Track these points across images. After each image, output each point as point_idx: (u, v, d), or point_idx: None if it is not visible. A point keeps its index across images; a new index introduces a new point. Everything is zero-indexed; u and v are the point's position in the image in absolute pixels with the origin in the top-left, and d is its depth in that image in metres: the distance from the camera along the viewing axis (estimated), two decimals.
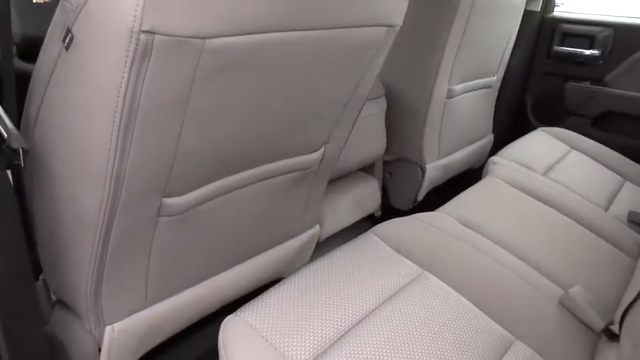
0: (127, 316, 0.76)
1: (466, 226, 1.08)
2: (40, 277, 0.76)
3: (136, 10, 0.47)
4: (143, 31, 0.48)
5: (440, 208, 1.15)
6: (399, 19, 0.80)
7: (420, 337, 0.74)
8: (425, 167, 1.46)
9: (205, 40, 0.53)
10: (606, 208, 1.34)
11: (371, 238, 0.96)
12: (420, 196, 1.52)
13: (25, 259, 0.63)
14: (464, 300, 0.84)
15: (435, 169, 1.49)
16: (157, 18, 0.48)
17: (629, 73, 1.66)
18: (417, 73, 1.34)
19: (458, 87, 1.42)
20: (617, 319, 0.86)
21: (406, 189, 1.52)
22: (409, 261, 0.91)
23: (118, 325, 0.74)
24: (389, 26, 0.79)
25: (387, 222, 1.03)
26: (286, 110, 0.75)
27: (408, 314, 0.77)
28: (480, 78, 1.52)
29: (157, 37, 0.49)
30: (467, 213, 1.13)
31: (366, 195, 1.43)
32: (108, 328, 0.73)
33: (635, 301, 0.80)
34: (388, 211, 1.57)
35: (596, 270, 1.06)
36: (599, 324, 0.87)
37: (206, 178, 0.73)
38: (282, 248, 1.03)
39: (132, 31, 0.48)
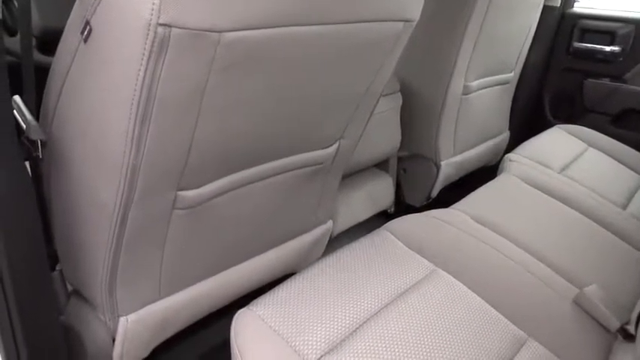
0: (141, 308, 0.77)
1: (480, 223, 1.07)
2: (57, 268, 0.78)
3: (154, 4, 0.47)
4: (160, 25, 0.48)
5: (454, 205, 1.14)
6: (415, 14, 0.79)
7: (431, 333, 0.73)
8: (439, 164, 1.44)
9: (222, 34, 0.54)
10: (624, 207, 1.32)
11: (384, 235, 0.96)
12: (434, 193, 1.51)
13: (42, 250, 0.64)
14: (476, 297, 0.83)
15: (450, 165, 1.48)
16: (174, 11, 0.48)
17: None
18: (433, 68, 1.33)
19: (474, 83, 1.40)
20: (634, 319, 0.85)
21: (420, 185, 1.51)
22: (422, 258, 0.90)
23: (131, 317, 0.75)
24: (406, 21, 0.78)
25: (400, 218, 1.03)
26: (301, 105, 0.75)
27: (419, 311, 0.77)
28: (497, 74, 1.51)
29: (174, 30, 0.50)
30: (481, 210, 1.12)
31: (379, 191, 1.42)
32: (122, 319, 0.74)
33: None
34: (401, 207, 1.56)
35: (613, 269, 1.05)
36: (614, 324, 0.85)
37: (220, 171, 0.73)
38: (294, 243, 1.03)
39: (149, 24, 0.48)
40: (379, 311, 0.76)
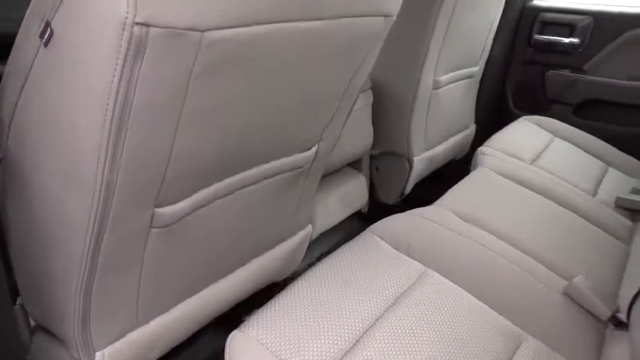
0: (118, 339, 0.70)
1: (464, 219, 1.06)
2: (17, 302, 0.69)
3: (129, 0, 0.41)
4: (137, 24, 0.42)
5: (436, 202, 1.12)
6: (395, 9, 0.76)
7: (432, 338, 0.71)
8: (412, 160, 1.43)
9: (204, 33, 0.48)
10: (594, 194, 1.35)
11: (371, 238, 0.92)
12: (408, 190, 1.49)
13: (2, 282, 0.57)
14: (470, 296, 0.82)
15: (422, 161, 1.47)
16: (152, 8, 0.43)
17: (608, 61, 1.68)
18: (404, 64, 1.31)
19: (443, 78, 1.39)
20: (624, 306, 0.85)
21: (393, 183, 1.49)
22: (411, 259, 0.88)
23: (108, 350, 0.68)
24: (386, 16, 0.75)
25: (385, 219, 1.00)
26: (284, 107, 0.70)
27: (417, 316, 0.74)
28: (463, 68, 1.51)
29: (152, 29, 0.44)
30: (463, 206, 1.11)
31: (354, 191, 1.39)
32: (98, 355, 0.67)
33: None
34: (375, 206, 1.53)
35: (594, 257, 1.06)
36: (605, 312, 0.86)
37: (200, 183, 0.67)
38: (276, 250, 0.98)
39: (124, 24, 0.42)
40: (377, 320, 0.72)
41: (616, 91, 1.67)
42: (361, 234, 0.95)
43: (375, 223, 0.98)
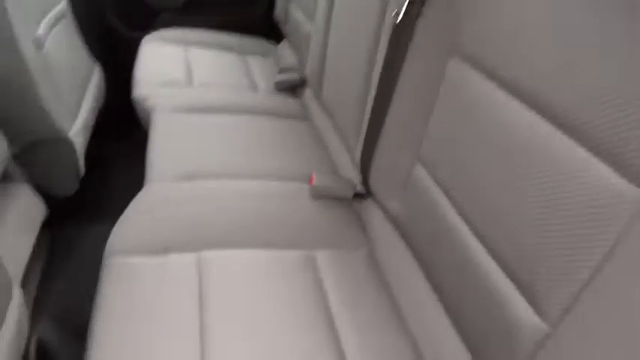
0: None
1: (186, 179, 0.94)
2: None
3: None
4: None
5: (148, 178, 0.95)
6: None
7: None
8: (68, 137, 1.12)
9: None
10: (256, 89, 1.39)
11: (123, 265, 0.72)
12: (82, 170, 1.21)
13: None
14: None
15: (78, 134, 1.17)
16: None
17: None
18: None
19: (41, 32, 1.06)
20: (357, 180, 0.95)
21: (63, 170, 1.18)
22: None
23: None
24: None
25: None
26: None
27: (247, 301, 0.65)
28: (50, 10, 1.17)
29: None
30: (175, 166, 0.97)
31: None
32: None
33: (370, 165, 0.87)
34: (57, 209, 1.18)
35: (301, 148, 1.12)
36: (349, 193, 0.94)
37: None
38: None
39: None
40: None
41: None
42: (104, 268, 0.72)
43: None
